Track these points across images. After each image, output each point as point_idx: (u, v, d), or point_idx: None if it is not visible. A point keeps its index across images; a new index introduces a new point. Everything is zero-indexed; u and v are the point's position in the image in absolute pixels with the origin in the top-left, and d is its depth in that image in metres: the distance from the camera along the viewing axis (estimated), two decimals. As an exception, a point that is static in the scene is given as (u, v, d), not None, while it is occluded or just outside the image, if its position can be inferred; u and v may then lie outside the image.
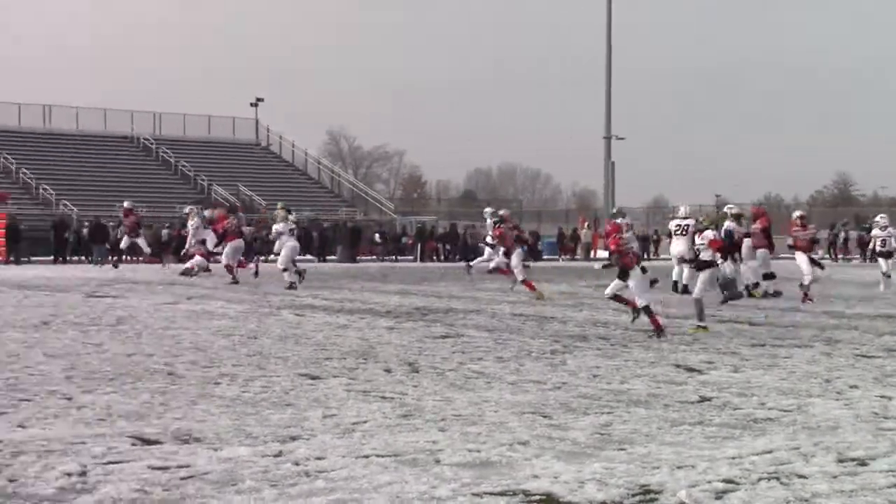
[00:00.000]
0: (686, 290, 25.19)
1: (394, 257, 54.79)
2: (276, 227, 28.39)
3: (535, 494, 6.54)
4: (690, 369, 12.30)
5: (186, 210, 34.17)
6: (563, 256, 59.11)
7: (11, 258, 43.09)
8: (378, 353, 13.36)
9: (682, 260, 24.78)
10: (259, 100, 75.90)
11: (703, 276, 17.01)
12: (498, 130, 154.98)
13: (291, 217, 28.50)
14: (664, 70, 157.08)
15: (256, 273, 30.13)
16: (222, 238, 29.88)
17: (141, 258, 39.50)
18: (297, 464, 7.20)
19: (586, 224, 63.55)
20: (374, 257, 54.12)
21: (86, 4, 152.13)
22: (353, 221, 57.94)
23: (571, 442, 8.09)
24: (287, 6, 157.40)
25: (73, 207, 55.64)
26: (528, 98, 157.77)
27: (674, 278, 25.72)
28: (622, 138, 64.23)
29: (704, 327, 16.60)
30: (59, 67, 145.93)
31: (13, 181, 60.49)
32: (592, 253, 59.11)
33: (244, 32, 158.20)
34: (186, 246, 32.74)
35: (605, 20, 61.28)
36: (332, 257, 51.86)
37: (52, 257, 45.24)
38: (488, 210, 33.68)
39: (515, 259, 24.32)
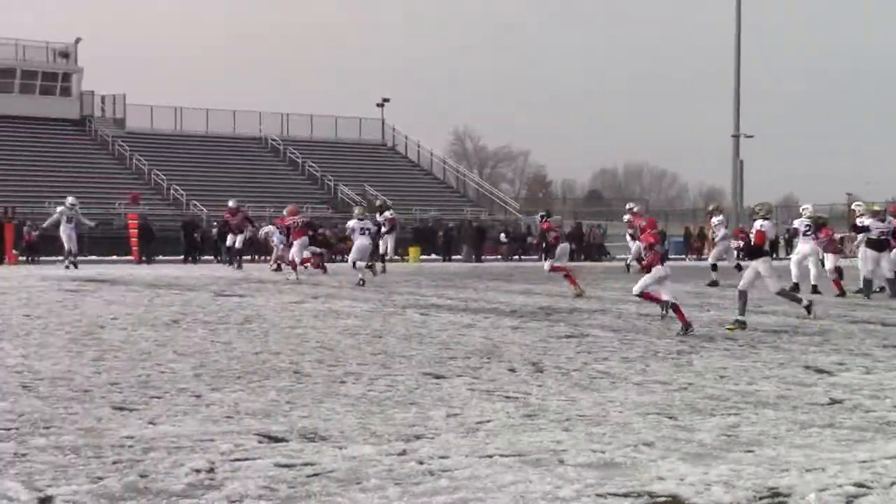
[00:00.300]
0: (815, 289, 24.77)
1: (518, 256, 54.69)
2: (349, 224, 29.38)
3: (660, 496, 6.47)
4: (820, 371, 12.07)
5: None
6: (689, 256, 58.47)
7: (143, 258, 43.96)
8: (502, 353, 13.34)
9: (802, 259, 24.60)
10: (385, 100, 76.41)
11: (750, 270, 16.85)
12: (624, 129, 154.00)
13: (364, 213, 29.58)
14: (795, 68, 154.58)
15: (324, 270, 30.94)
16: (288, 234, 30.41)
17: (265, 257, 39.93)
18: (421, 462, 7.21)
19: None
20: (499, 257, 54.09)
21: (219, 6, 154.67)
22: (478, 221, 57.97)
23: (697, 443, 7.99)
24: (414, 6, 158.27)
25: (202, 208, 56.59)
26: (655, 96, 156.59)
27: (794, 280, 25.33)
28: (751, 136, 63.34)
29: (742, 323, 16.48)
30: (191, 69, 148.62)
31: (145, 182, 61.75)
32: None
33: (371, 33, 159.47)
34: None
35: (734, 17, 60.49)
36: (458, 257, 51.97)
37: (181, 257, 46.05)
38: (630, 205, 33.87)
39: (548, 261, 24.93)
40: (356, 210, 30.53)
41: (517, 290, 25.79)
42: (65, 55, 68.10)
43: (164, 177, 61.48)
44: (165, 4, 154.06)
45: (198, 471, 6.91)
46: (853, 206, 26.09)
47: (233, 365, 11.89)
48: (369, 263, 28.13)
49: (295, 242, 29.62)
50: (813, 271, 25.51)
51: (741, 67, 61.04)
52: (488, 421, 8.77)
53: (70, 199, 35.85)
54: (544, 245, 25.29)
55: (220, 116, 71.65)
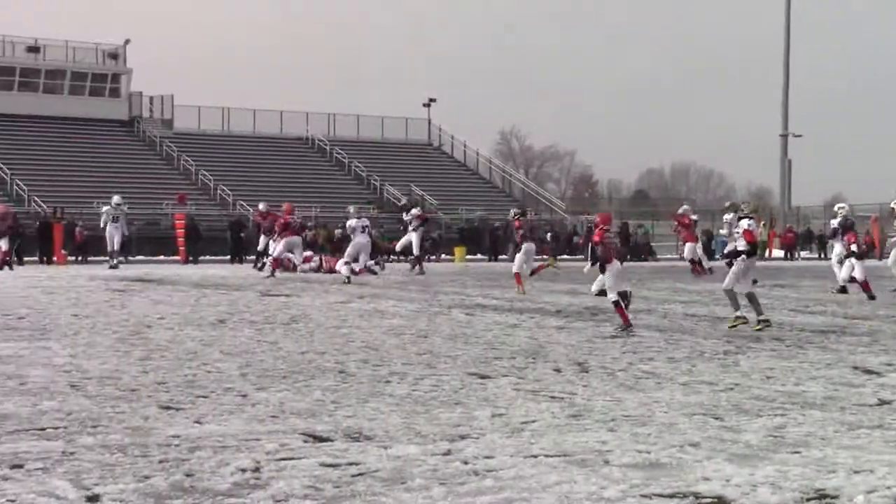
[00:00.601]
0: (843, 289, 24.56)
1: (563, 256, 54.56)
2: (349, 223, 30.18)
3: (705, 497, 6.43)
4: (869, 371, 11.97)
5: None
6: (737, 256, 57.91)
7: (190, 258, 44.21)
8: (548, 353, 13.33)
9: (839, 260, 24.49)
10: (432, 100, 76.43)
11: (735, 267, 16.79)
12: (671, 129, 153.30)
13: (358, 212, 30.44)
14: (844, 66, 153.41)
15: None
16: (278, 230, 31.13)
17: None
18: (465, 462, 7.21)
19: (762, 223, 62.39)
20: (546, 257, 53.97)
21: (267, 7, 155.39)
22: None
23: (744, 444, 7.94)
24: (461, 6, 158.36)
25: (248, 208, 56.84)
26: (703, 95, 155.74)
27: (840, 283, 25.10)
28: (799, 136, 62.93)
29: (766, 321, 16.42)
30: (238, 69, 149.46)
31: (192, 182, 62.10)
32: (768, 252, 57.98)
33: (417, 33, 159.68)
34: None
35: (783, 15, 60.11)
36: (503, 257, 51.94)
37: (228, 257, 46.27)
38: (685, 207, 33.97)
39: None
40: (351, 209, 31.08)
41: (562, 290, 25.74)
42: (114, 56, 68.59)
43: (210, 177, 61.78)
44: (213, 5, 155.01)
45: (243, 470, 6.94)
46: (892, 205, 25.89)
47: (278, 364, 11.94)
48: (367, 266, 29.17)
49: (283, 241, 30.09)
50: (843, 272, 25.21)
51: (790, 66, 60.67)
52: (533, 421, 8.76)
53: (115, 199, 36.01)
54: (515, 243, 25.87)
55: (267, 117, 71.88)
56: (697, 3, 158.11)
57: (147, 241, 48.83)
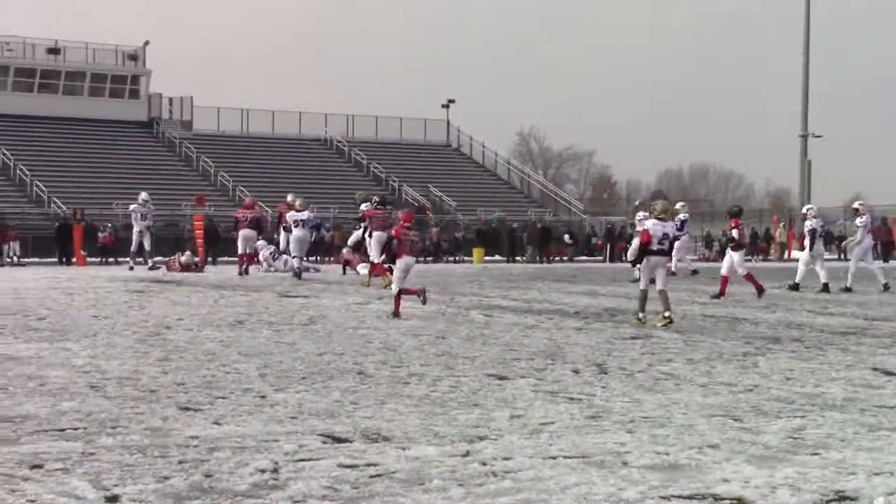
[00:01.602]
0: (826, 287, 24.94)
1: (581, 257, 54.59)
2: (288, 215, 30.21)
3: (725, 499, 6.42)
4: (889, 373, 11.92)
5: None
6: (756, 257, 57.97)
7: (209, 259, 44.29)
8: (566, 354, 13.31)
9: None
10: (450, 101, 76.48)
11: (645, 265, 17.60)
12: (690, 129, 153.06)
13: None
14: (865, 67, 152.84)
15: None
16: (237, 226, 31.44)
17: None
18: (484, 464, 7.21)
19: (781, 224, 62.23)
20: (564, 258, 53.95)
21: (284, 8, 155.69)
22: (543, 222, 57.84)
23: (763, 446, 7.92)
24: (478, 6, 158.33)
25: (267, 209, 56.93)
26: (722, 96, 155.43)
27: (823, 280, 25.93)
28: (819, 136, 62.75)
29: (669, 318, 16.99)
30: (257, 70, 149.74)
31: (211, 183, 62.26)
32: (787, 253, 57.86)
33: (435, 34, 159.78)
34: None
35: (803, 14, 59.95)
36: (521, 258, 51.92)
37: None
38: (679, 204, 33.86)
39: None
40: (298, 201, 30.53)
41: (581, 291, 25.72)
42: (133, 58, 68.84)
43: (229, 178, 61.96)
44: (233, 6, 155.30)
45: (262, 471, 6.95)
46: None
47: (297, 366, 11.96)
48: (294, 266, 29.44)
49: (243, 235, 30.47)
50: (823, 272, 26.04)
51: (810, 66, 60.49)
52: (552, 422, 8.76)
53: (143, 195, 35.90)
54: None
55: (286, 118, 72.04)
56: (717, 3, 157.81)
57: (165, 241, 48.92)
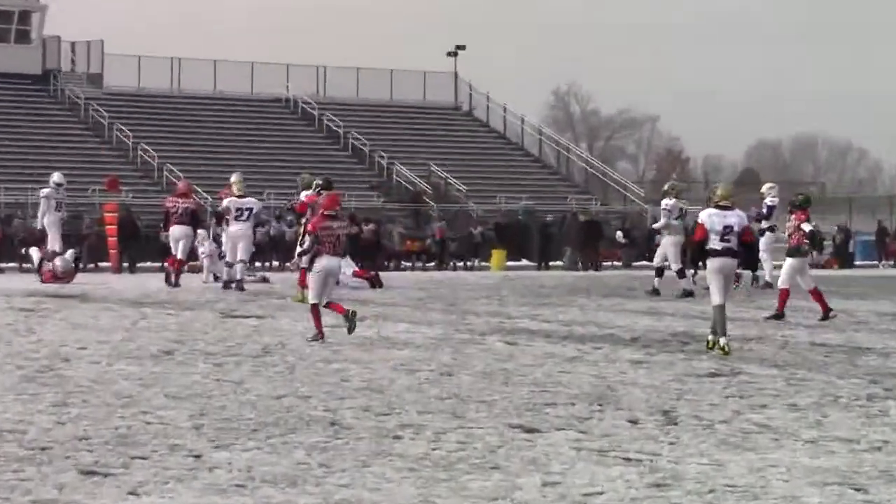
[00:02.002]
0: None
1: (642, 262, 54.56)
2: (224, 203, 30.68)
3: None
4: None
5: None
6: (884, 262, 58.00)
7: (124, 264, 44.32)
8: (620, 397, 13.30)
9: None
10: (459, 48, 76.46)
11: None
12: (792, 88, 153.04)
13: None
14: None
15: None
16: (167, 221, 32.01)
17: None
18: (505, 551, 7.18)
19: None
20: (617, 263, 53.96)
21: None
22: (588, 214, 57.82)
23: (896, 527, 7.89)
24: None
25: (207, 195, 56.93)
26: (836, 47, 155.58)
27: None
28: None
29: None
30: (194, 9, 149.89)
31: (129, 160, 62.26)
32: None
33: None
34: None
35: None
36: (558, 263, 51.92)
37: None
38: (773, 186, 34.06)
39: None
40: (235, 179, 30.86)
41: (640, 309, 25.71)
42: (21, -12, 69.02)
43: (154, 153, 61.98)
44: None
45: (194, 561, 6.91)
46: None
47: (245, 413, 11.93)
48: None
49: (175, 233, 30.70)
50: None
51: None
52: (600, 492, 8.75)
53: (56, 177, 35.88)
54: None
55: (233, 71, 72.03)
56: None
57: (65, 240, 48.86)
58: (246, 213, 29.54)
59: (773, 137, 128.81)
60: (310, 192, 27.60)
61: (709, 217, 17.78)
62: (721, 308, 17.63)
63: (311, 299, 18.78)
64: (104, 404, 12.33)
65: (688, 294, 29.15)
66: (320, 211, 19.40)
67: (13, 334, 18.96)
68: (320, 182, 27.65)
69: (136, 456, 9.78)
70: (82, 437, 10.53)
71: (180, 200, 31.75)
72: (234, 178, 31.21)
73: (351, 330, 18.49)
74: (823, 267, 51.28)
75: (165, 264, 31.90)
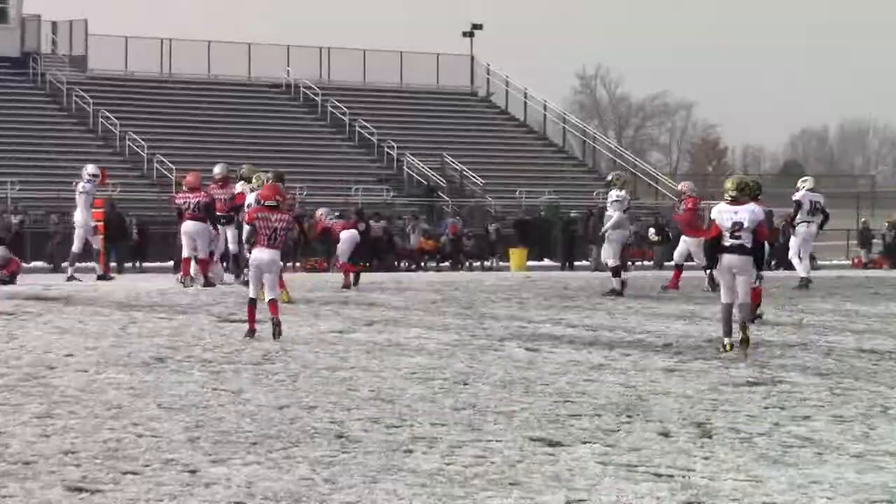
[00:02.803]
0: None
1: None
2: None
3: None
4: None
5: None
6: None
7: (113, 264, 44.37)
8: (650, 408, 13.34)
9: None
10: (476, 27, 76.33)
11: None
12: (839, 71, 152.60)
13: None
14: None
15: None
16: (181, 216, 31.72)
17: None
18: (526, 573, 7.24)
19: None
20: (648, 262, 53.89)
21: None
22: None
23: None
24: None
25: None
26: (889, 23, 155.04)
27: None
28: None
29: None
30: None
31: (115, 150, 62.31)
32: None
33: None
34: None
35: None
36: (584, 263, 51.88)
37: (171, 262, 46.38)
38: (805, 179, 34.24)
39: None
40: (217, 168, 31.87)
41: (673, 312, 25.69)
42: (-2, -39, 69.05)
43: (143, 142, 62.00)
44: None
45: (192, 583, 6.99)
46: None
47: (245, 425, 11.99)
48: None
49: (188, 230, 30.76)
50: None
51: None
52: (629, 511, 8.78)
53: (91, 168, 35.82)
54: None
55: (228, 54, 71.98)
56: None
57: (46, 238, 48.97)
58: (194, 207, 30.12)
59: (818, 125, 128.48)
60: (248, 184, 28.08)
61: (718, 213, 17.92)
62: (728, 307, 17.88)
63: (249, 293, 19.49)
64: (92, 415, 12.39)
65: (617, 293, 29.68)
66: (260, 200, 19.93)
67: (-8, 340, 19.03)
68: (271, 175, 27.74)
69: (127, 471, 9.84)
70: (69, 451, 10.59)
71: (191, 195, 31.71)
72: (217, 169, 31.59)
73: (276, 335, 19.09)
74: (873, 266, 51.20)
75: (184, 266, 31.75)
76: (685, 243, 31.65)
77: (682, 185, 35.06)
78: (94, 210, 42.38)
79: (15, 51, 67.74)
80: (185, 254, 31.20)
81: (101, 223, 43.17)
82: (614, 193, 31.81)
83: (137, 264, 48.36)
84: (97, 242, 34.90)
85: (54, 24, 70.54)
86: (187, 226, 30.92)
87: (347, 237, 30.80)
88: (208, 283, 30.50)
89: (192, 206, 31.05)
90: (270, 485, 9.43)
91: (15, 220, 48.77)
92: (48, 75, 66.90)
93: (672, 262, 35.22)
